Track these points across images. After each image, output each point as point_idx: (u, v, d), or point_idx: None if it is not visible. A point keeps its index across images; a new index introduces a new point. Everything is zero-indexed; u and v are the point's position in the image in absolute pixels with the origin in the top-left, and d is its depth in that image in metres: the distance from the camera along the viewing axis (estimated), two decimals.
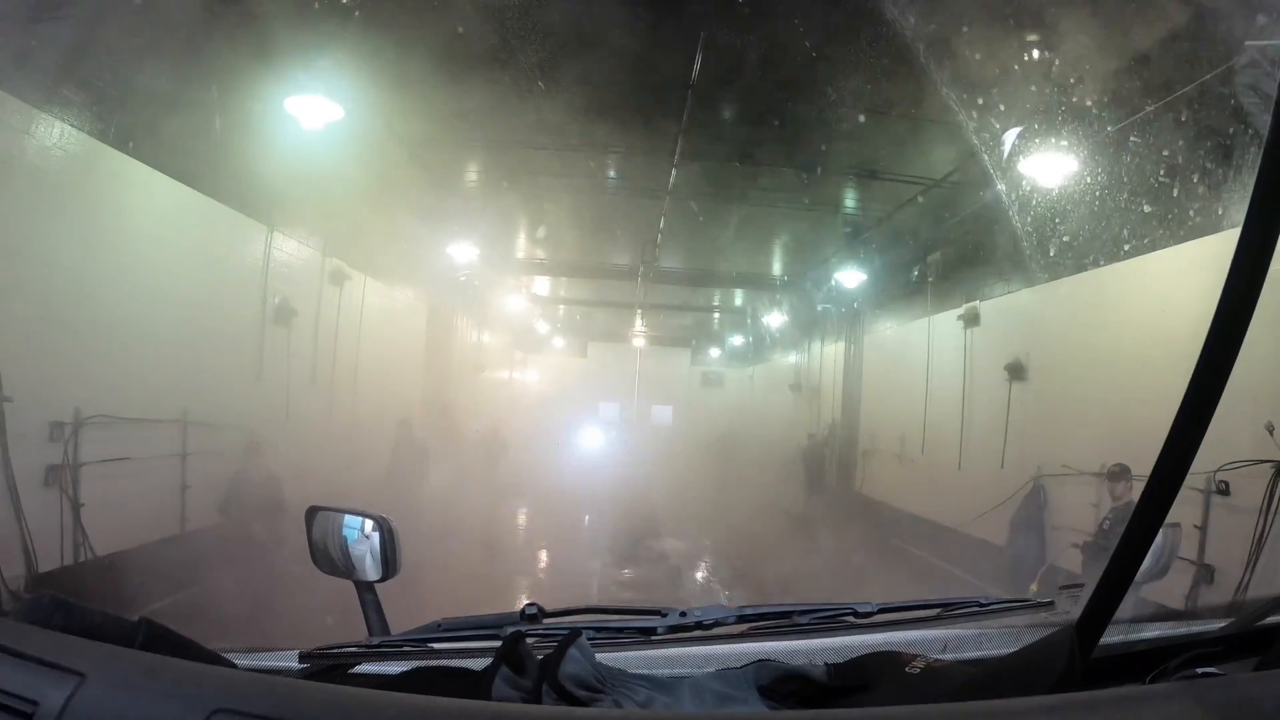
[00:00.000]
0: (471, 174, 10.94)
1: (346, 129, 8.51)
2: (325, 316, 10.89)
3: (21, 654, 1.01)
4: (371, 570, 1.78)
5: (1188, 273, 7.75)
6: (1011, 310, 10.74)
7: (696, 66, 7.64)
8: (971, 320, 11.53)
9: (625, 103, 8.39)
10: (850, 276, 14.76)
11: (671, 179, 10.08)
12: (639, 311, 21.18)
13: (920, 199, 11.44)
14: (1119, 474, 7.20)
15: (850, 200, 12.24)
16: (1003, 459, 10.24)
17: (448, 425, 15.21)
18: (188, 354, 8.05)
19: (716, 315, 24.19)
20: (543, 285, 20.24)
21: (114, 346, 7.12)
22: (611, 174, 10.05)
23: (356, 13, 7.01)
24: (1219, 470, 6.93)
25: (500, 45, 7.31)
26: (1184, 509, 7.03)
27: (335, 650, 1.41)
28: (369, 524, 1.80)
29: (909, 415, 13.23)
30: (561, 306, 24.07)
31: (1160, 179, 7.81)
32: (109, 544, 6.93)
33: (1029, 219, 9.16)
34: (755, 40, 7.36)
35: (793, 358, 21.71)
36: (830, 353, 17.98)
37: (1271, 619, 1.36)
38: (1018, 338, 10.34)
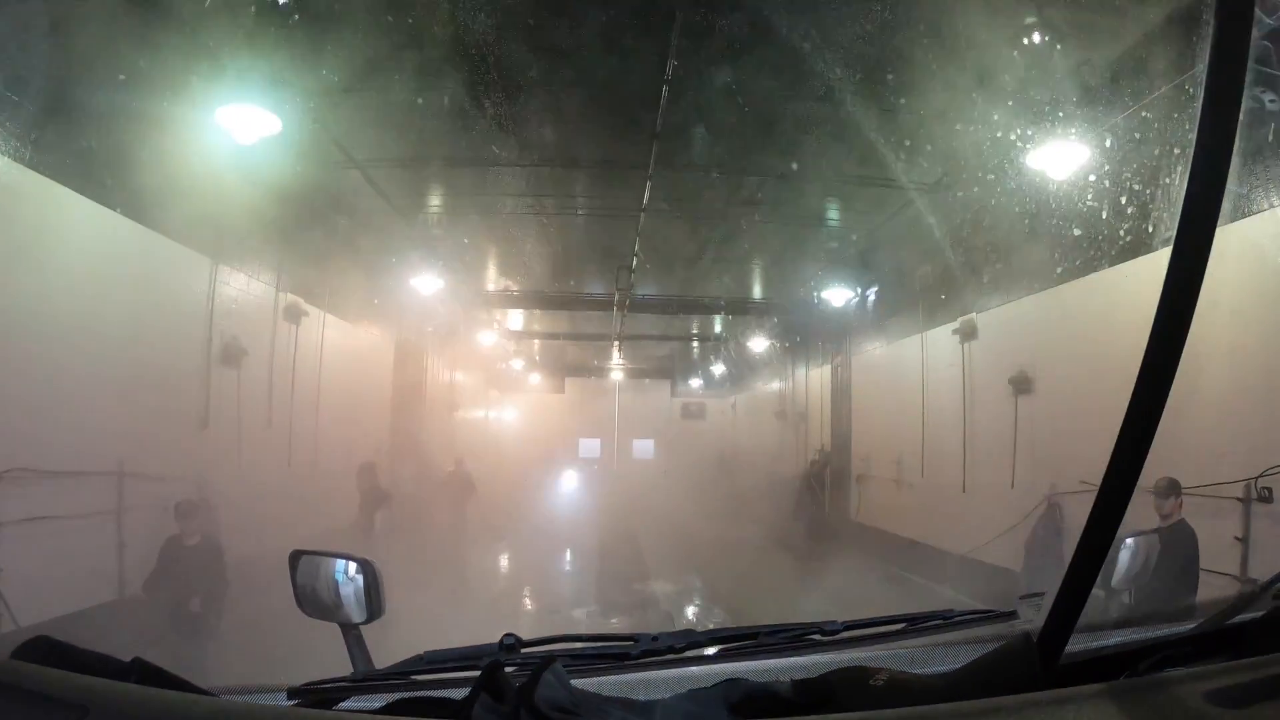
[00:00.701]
0: (433, 197, 10.27)
1: (292, 152, 7.90)
2: (281, 356, 10.16)
3: (23, 690, 1.06)
4: (356, 612, 1.79)
5: (1211, 264, 7.24)
6: (1012, 320, 10.21)
7: (671, 67, 7.07)
8: (969, 334, 10.99)
9: (594, 109, 7.81)
10: (836, 295, 14.25)
11: (646, 194, 9.47)
12: (616, 344, 20.54)
13: (909, 208, 10.93)
14: (1167, 489, 6.53)
15: (834, 212, 11.69)
16: (1012, 478, 9.65)
17: (419, 468, 14.49)
18: (122, 399, 7.29)
19: (696, 344, 23.52)
20: (515, 320, 19.54)
21: (35, 392, 6.35)
22: (582, 190, 9.43)
23: (295, 16, 6.38)
24: (1261, 476, 6.42)
25: (457, 49, 6.70)
26: (1226, 520, 6.56)
27: (321, 686, 1.43)
28: (352, 566, 1.82)
29: (905, 437, 12.63)
30: (537, 341, 23.33)
31: (1170, 168, 7.35)
32: (33, 614, 6.12)
33: (1026, 222, 8.68)
34: (732, 38, 6.82)
35: (776, 384, 21.17)
36: (816, 376, 17.42)
37: (1241, 617, 1.36)
38: (1021, 349, 9.81)
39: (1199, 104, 0.88)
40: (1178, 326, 0.94)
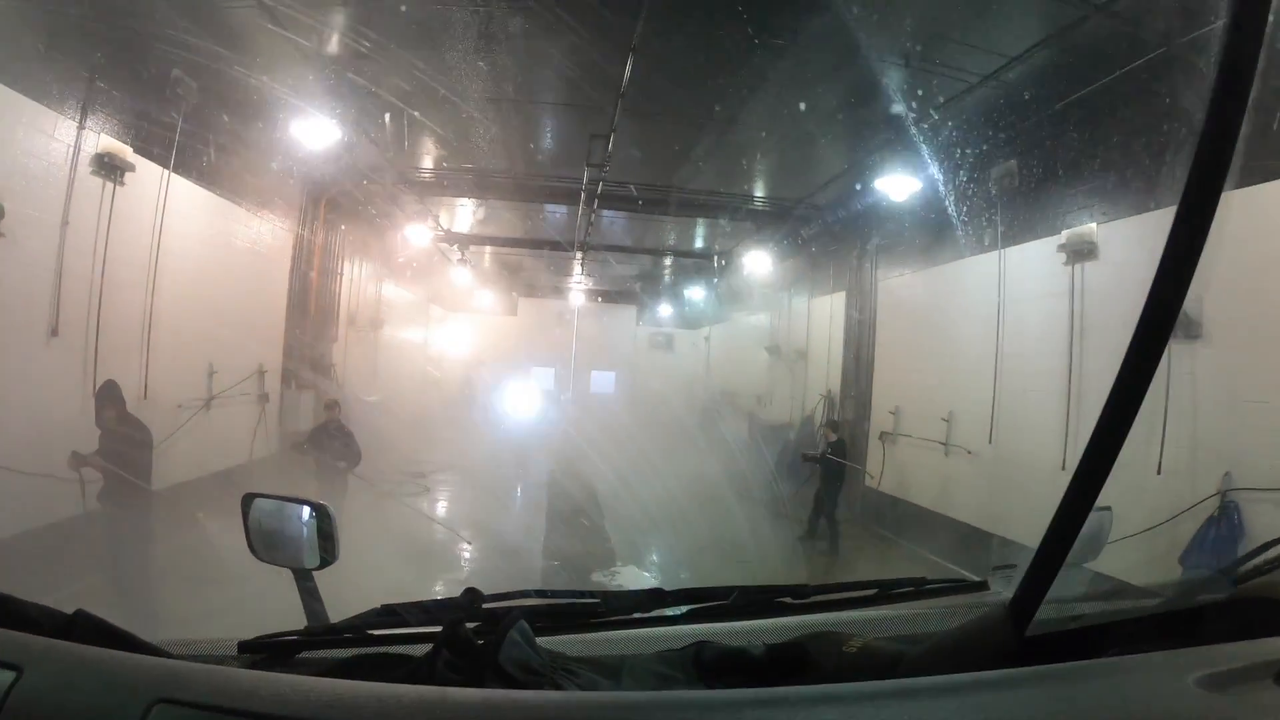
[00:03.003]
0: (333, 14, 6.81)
1: None
2: (83, 229, 6.74)
3: None
4: (309, 558, 1.77)
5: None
6: (1163, 234, 7.16)
7: None
8: (1083, 252, 7.94)
9: None
10: (866, 198, 11.09)
11: (637, 33, 6.14)
12: (579, 256, 17.23)
13: (1008, 70, 7.84)
14: None
15: (895, 72, 8.47)
16: (1159, 459, 6.71)
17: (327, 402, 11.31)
18: None
19: (671, 260, 20.09)
20: (460, 219, 15.92)
21: None
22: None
23: None
24: None
25: None
26: None
27: (274, 640, 1.38)
28: (306, 511, 1.80)
29: (964, 390, 9.65)
30: (487, 251, 19.82)
31: None
32: None
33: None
34: None
35: (768, 314, 18.04)
36: (825, 305, 14.34)
37: (1203, 597, 1.38)
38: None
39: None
40: (1176, 293, 0.91)
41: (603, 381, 25.14)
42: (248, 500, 1.83)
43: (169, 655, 1.10)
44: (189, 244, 8.22)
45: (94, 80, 6.66)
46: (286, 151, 9.42)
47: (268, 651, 1.34)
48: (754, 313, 18.90)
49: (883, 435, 11.66)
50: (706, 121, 9.19)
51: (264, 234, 10.21)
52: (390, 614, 1.45)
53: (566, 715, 0.99)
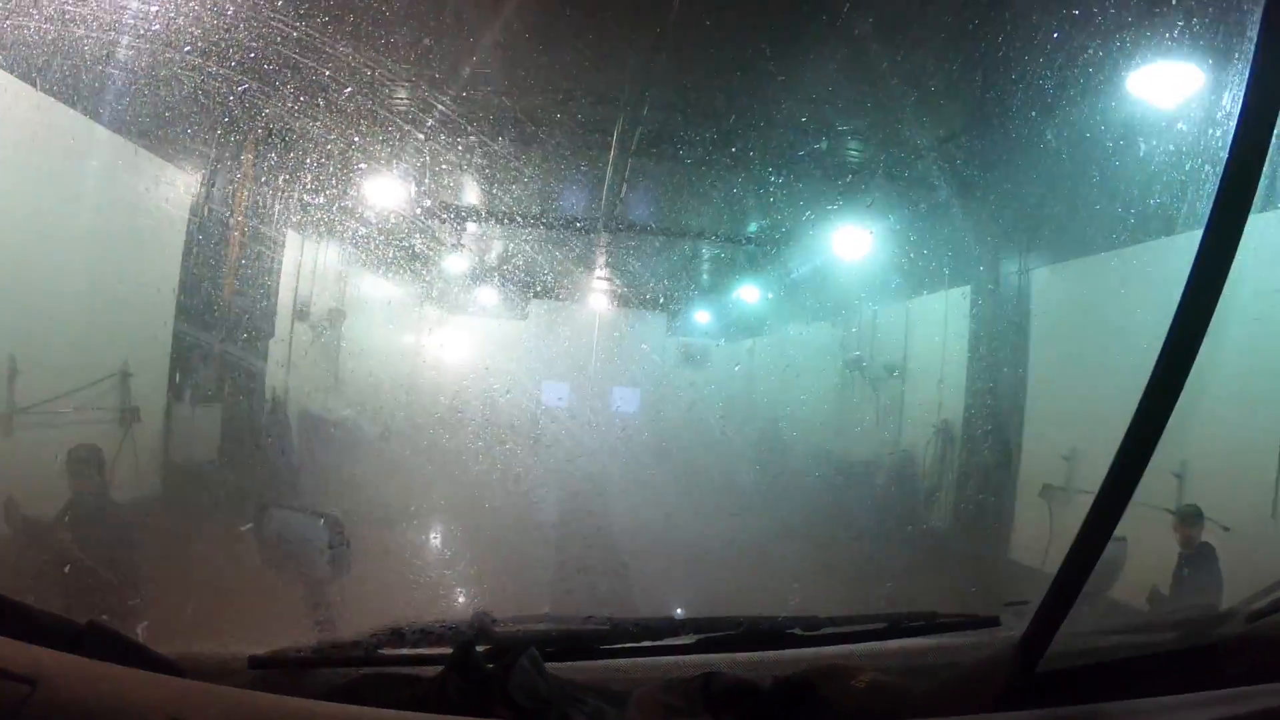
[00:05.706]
0: None
1: None
2: None
3: None
4: (321, 569, 1.86)
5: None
6: None
7: None
8: None
9: None
10: (1019, 147, 8.09)
11: None
12: (605, 239, 14.41)
13: None
14: None
15: None
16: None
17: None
18: None
19: (715, 250, 17.24)
20: (455, 182, 12.77)
21: None
22: None
23: None
24: None
25: None
26: None
27: (285, 656, 1.43)
28: (320, 523, 1.90)
29: (1210, 432, 6.55)
30: (494, 236, 16.83)
31: None
32: None
33: None
34: None
35: (835, 322, 15.26)
36: (936, 306, 11.34)
37: (1216, 634, 1.50)
38: None
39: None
40: (1192, 339, 0.97)
41: (626, 401, 22.48)
42: (263, 510, 2.01)
43: (180, 672, 1.15)
44: None
45: None
46: (184, 48, 6.45)
47: (279, 669, 1.37)
48: (819, 319, 16.03)
49: (1046, 489, 8.55)
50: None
51: (144, 170, 7.18)
52: (399, 635, 1.50)
53: None
